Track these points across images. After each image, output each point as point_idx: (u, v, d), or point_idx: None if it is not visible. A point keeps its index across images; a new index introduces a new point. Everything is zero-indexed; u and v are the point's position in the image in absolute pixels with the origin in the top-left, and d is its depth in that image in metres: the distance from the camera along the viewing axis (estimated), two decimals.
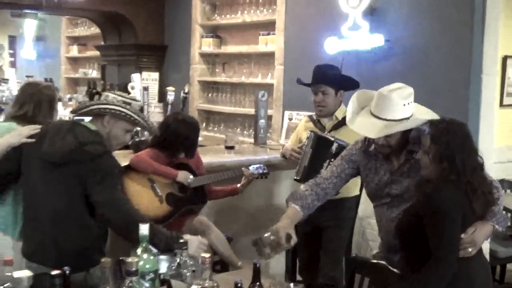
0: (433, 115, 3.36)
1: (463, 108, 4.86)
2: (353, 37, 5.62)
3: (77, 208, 3.28)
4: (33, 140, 3.38)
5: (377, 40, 5.45)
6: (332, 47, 5.77)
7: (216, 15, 7.77)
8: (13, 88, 9.38)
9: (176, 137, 4.47)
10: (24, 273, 2.26)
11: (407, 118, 3.33)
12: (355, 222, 4.84)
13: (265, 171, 4.92)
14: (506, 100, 5.52)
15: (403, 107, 3.30)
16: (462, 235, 3.04)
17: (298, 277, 4.83)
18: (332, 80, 4.54)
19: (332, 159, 4.12)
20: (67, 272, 2.36)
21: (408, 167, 3.42)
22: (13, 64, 14.08)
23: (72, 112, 3.35)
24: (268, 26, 6.88)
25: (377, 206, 3.62)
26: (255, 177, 4.85)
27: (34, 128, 3.44)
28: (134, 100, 3.45)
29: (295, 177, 4.55)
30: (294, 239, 3.30)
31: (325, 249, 4.56)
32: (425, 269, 3.03)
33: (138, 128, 5.84)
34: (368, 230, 5.54)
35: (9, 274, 2.37)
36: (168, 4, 8.52)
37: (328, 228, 4.54)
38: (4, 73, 13.47)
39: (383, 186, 3.51)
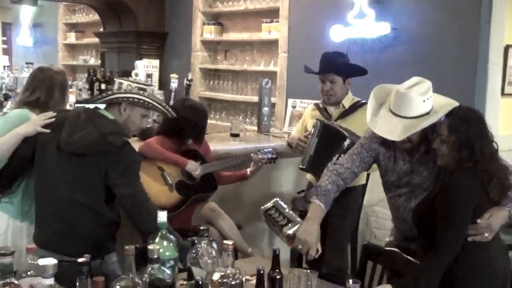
0: (452, 104, 3.34)
1: (469, 97, 4.86)
2: (359, 25, 5.60)
3: (94, 197, 3.30)
4: (48, 130, 3.36)
5: (383, 28, 5.44)
6: (338, 35, 5.76)
7: (218, 2, 7.73)
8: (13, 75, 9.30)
9: (185, 124, 4.45)
10: (49, 261, 2.24)
11: (428, 113, 3.31)
12: (361, 211, 4.81)
13: (273, 156, 4.91)
14: (507, 89, 5.52)
15: (423, 103, 3.29)
16: (478, 220, 3.06)
17: (304, 266, 4.84)
18: (340, 69, 4.50)
19: (342, 154, 4.10)
20: (88, 259, 2.34)
21: (427, 157, 3.42)
22: (6, 51, 13.99)
23: (88, 101, 3.34)
24: (271, 14, 6.86)
25: (394, 197, 3.61)
26: (264, 162, 4.84)
27: (49, 116, 3.42)
28: (148, 85, 3.44)
29: (301, 166, 4.54)
30: (320, 251, 3.31)
31: (330, 239, 4.51)
32: (426, 258, 3.06)
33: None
34: (373, 217, 5.56)
35: (32, 261, 2.36)
36: None
37: (334, 217, 4.45)
38: None
39: (403, 176, 3.50)
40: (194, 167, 4.45)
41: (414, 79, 3.38)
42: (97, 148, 3.25)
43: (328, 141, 4.31)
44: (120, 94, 3.34)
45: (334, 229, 4.51)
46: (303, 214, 4.77)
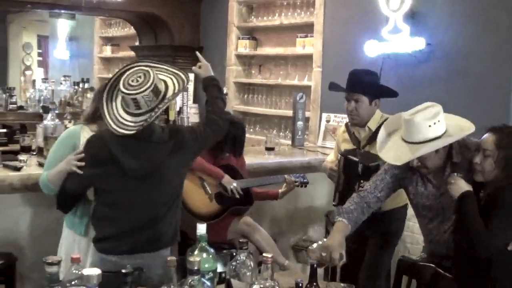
0: (469, 129, 3.35)
1: (504, 113, 4.85)
2: (394, 40, 5.61)
3: (177, 198, 3.45)
4: (83, 163, 3.39)
5: (418, 44, 5.44)
6: (372, 50, 5.78)
7: (252, 17, 7.81)
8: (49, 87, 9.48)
9: (225, 137, 4.50)
10: (94, 271, 2.31)
11: (439, 137, 3.32)
12: (400, 233, 4.69)
13: (305, 180, 4.98)
14: None
15: (429, 128, 3.29)
16: None
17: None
18: (366, 89, 4.34)
19: (362, 181, 4.10)
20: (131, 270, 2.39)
21: None
22: (41, 64, 14.23)
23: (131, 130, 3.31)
24: (305, 29, 6.91)
25: (426, 220, 3.62)
26: (296, 185, 4.90)
27: (77, 153, 3.45)
28: (150, 80, 3.22)
29: (333, 203, 4.46)
30: (344, 259, 3.28)
31: (368, 263, 4.44)
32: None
33: None
34: (407, 232, 5.54)
35: (76, 271, 2.42)
36: (204, 5, 8.58)
37: (373, 240, 4.43)
38: (33, 72, 13.62)
39: (432, 199, 3.51)
40: (230, 182, 4.52)
41: (424, 104, 3.39)
42: (165, 154, 3.32)
43: (352, 174, 4.25)
44: (158, 113, 3.23)
45: (372, 253, 4.44)
46: None
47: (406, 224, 5.24)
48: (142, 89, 3.12)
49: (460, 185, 3.21)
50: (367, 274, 4.42)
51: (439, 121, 3.32)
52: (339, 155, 4.42)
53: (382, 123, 4.14)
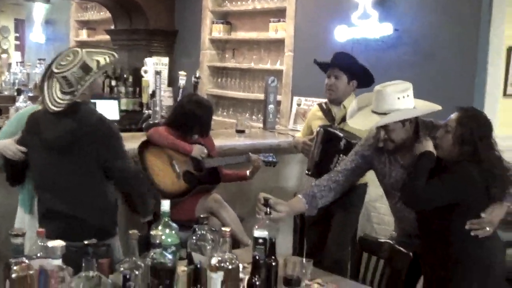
0: (435, 107, 3.49)
1: (468, 97, 4.98)
2: (363, 26, 5.72)
3: (93, 183, 3.49)
4: (24, 149, 3.57)
5: (386, 29, 5.56)
6: (342, 35, 5.88)
7: (226, 2, 7.86)
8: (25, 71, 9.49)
9: (191, 118, 4.61)
10: (58, 243, 2.41)
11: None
12: (362, 207, 4.96)
13: (273, 160, 5.04)
14: (510, 90, 5.64)
15: (398, 100, 3.39)
16: (482, 214, 3.19)
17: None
18: (347, 67, 4.63)
19: (341, 155, 4.28)
20: (95, 242, 2.47)
21: None
22: (18, 48, 14.17)
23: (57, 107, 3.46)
24: (278, 13, 6.99)
25: (395, 200, 3.70)
26: (264, 164, 4.96)
27: (15, 139, 3.63)
28: (79, 57, 3.41)
29: (306, 172, 4.67)
30: (279, 213, 3.42)
31: (333, 233, 4.69)
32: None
33: (150, 111, 6.05)
34: (374, 213, 5.68)
35: (42, 244, 2.51)
36: None
37: (338, 211, 4.65)
38: (10, 56, 13.57)
39: (400, 179, 3.58)
40: (200, 151, 4.63)
41: (395, 81, 3.51)
42: (82, 133, 3.41)
43: (330, 146, 4.44)
44: (82, 89, 3.38)
45: (337, 223, 4.68)
46: None
47: (373, 205, 5.41)
48: (70, 67, 3.32)
49: (425, 145, 3.31)
50: (334, 245, 4.65)
51: (408, 96, 3.42)
52: (318, 128, 4.58)
53: None
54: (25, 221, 3.83)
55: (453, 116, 3.27)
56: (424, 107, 3.50)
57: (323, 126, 4.60)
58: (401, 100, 3.39)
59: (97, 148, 3.43)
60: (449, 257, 3.28)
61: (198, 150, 4.62)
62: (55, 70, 3.37)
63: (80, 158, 3.45)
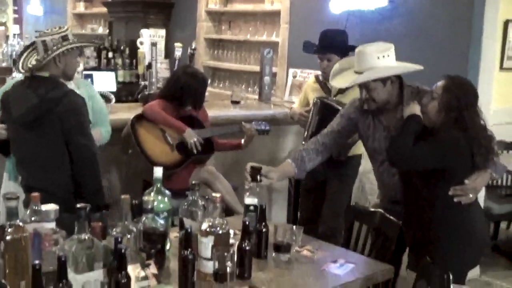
0: (411, 67, 3.54)
1: (463, 70, 5.00)
2: None
3: (63, 159, 3.53)
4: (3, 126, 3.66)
5: (381, 1, 5.57)
6: (337, 6, 5.89)
7: None
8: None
9: (185, 90, 4.63)
10: (51, 206, 2.46)
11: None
12: (356, 177, 5.02)
13: (266, 128, 5.03)
14: (507, 64, 5.67)
15: (377, 60, 3.43)
16: (466, 181, 3.23)
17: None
18: (337, 49, 4.62)
19: None
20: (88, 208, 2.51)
21: None
22: (17, 21, 14.12)
23: (26, 72, 3.52)
24: None
25: (378, 163, 3.76)
26: (254, 133, 4.95)
27: None
28: (64, 29, 3.55)
29: (303, 142, 4.69)
30: (270, 179, 3.48)
31: (328, 200, 4.77)
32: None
33: (146, 83, 6.07)
34: (368, 185, 5.73)
35: (35, 208, 2.56)
36: None
37: (332, 181, 4.75)
38: (8, 29, 13.53)
39: (383, 142, 3.63)
40: (191, 137, 4.63)
41: (378, 42, 3.56)
42: (44, 109, 3.46)
43: (327, 118, 4.47)
44: (54, 53, 3.46)
45: (332, 192, 4.77)
46: (299, 180, 5.02)
47: (367, 176, 5.45)
48: (52, 34, 3.45)
49: (413, 109, 3.35)
50: (328, 213, 4.73)
51: (388, 55, 3.46)
52: (315, 99, 4.63)
53: None
54: (9, 188, 3.89)
55: (440, 83, 3.30)
56: (403, 67, 3.55)
57: (320, 97, 4.65)
58: (380, 59, 3.43)
59: (61, 122, 3.47)
60: (432, 221, 3.32)
61: (189, 135, 4.62)
62: (37, 35, 3.49)
63: (47, 133, 3.50)
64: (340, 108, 4.38)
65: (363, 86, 3.53)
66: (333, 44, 4.65)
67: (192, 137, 4.62)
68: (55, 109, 3.45)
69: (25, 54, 3.55)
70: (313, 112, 4.61)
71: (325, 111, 4.51)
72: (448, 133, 3.21)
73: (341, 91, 4.64)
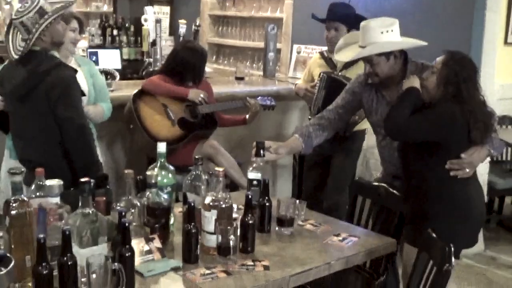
0: (415, 43, 3.54)
1: (466, 44, 4.99)
2: None
3: (55, 130, 3.52)
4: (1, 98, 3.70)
5: None
6: None
7: None
8: None
9: (185, 64, 4.67)
10: (55, 181, 2.49)
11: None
12: (360, 152, 5.04)
13: (272, 103, 5.03)
14: (511, 38, 5.65)
15: (381, 34, 3.44)
16: (462, 155, 3.22)
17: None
18: (345, 18, 4.65)
19: None
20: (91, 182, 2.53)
21: None
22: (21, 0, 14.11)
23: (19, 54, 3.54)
24: None
25: (380, 138, 3.78)
26: (259, 109, 4.94)
27: None
28: (36, 3, 3.47)
29: (309, 117, 4.74)
30: (279, 154, 3.54)
31: (333, 174, 4.81)
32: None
33: (151, 60, 6.08)
34: (372, 160, 5.74)
35: (40, 183, 2.58)
36: None
37: (337, 156, 4.78)
38: (13, 8, 13.49)
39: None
40: (197, 94, 4.67)
41: (382, 17, 3.56)
42: (34, 82, 3.46)
43: (334, 92, 4.48)
44: (36, 33, 3.43)
45: (336, 167, 4.81)
46: (304, 156, 5.04)
47: (371, 151, 5.46)
48: (26, 12, 3.40)
49: (412, 82, 3.37)
50: (333, 187, 4.78)
51: (392, 30, 3.47)
52: (321, 74, 4.63)
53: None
54: (10, 165, 3.91)
55: (439, 58, 3.30)
56: (406, 42, 3.56)
57: (326, 72, 4.66)
58: (384, 34, 3.45)
59: (47, 95, 3.46)
60: (427, 196, 3.33)
61: (194, 94, 4.66)
62: (14, 17, 3.46)
63: (38, 106, 3.50)
64: (346, 82, 4.41)
65: (367, 60, 3.55)
66: (341, 13, 4.68)
67: (198, 94, 4.66)
68: (43, 81, 3.45)
69: (10, 38, 3.51)
70: (319, 87, 4.61)
71: (331, 85, 4.52)
72: (444, 106, 3.22)
73: (347, 66, 4.66)
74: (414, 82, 3.35)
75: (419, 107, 3.30)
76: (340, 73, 4.67)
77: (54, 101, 3.45)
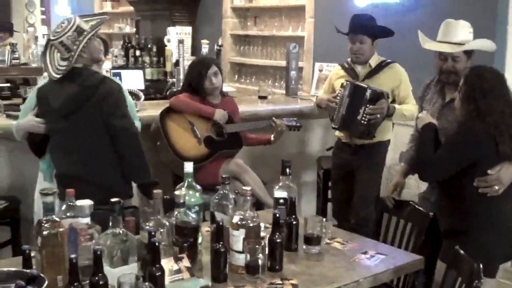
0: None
1: (489, 59, 4.97)
2: None
3: (102, 144, 3.62)
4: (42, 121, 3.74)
5: None
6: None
7: None
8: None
9: (197, 77, 4.71)
10: (86, 202, 2.52)
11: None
12: (384, 165, 5.01)
13: (297, 124, 5.04)
14: None
15: (469, 34, 3.64)
16: (489, 171, 3.19)
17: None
18: (369, 30, 4.66)
19: (368, 105, 4.39)
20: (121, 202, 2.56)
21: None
22: (44, 22, 14.27)
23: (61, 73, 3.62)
24: None
25: None
26: (288, 129, 4.97)
27: (33, 113, 3.80)
28: (72, 22, 3.58)
29: (333, 125, 4.73)
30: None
31: (357, 189, 4.79)
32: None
33: (174, 80, 6.13)
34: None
35: (71, 203, 2.62)
36: None
37: (361, 169, 4.76)
38: (36, 30, 13.66)
39: (435, 112, 3.71)
40: (223, 114, 4.71)
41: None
42: (84, 97, 3.56)
43: (358, 100, 4.51)
44: (77, 51, 3.53)
45: (361, 182, 4.78)
46: (327, 173, 5.05)
47: (394, 168, 5.44)
48: (65, 31, 3.50)
49: (425, 118, 3.41)
50: (359, 203, 4.76)
51: (471, 33, 3.70)
52: (345, 82, 4.63)
53: (380, 62, 4.68)
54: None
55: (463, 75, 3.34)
56: (490, 43, 3.82)
57: (350, 80, 4.67)
58: (471, 34, 3.65)
59: (100, 107, 3.57)
60: (461, 212, 3.32)
61: (220, 115, 4.69)
62: (52, 38, 3.57)
63: (87, 121, 3.59)
64: (371, 89, 4.43)
65: (450, 56, 3.65)
66: (365, 26, 4.68)
67: (223, 115, 4.71)
68: (93, 95, 3.55)
69: (48, 59, 3.62)
70: (343, 94, 4.60)
71: (355, 92, 4.53)
72: (465, 126, 3.21)
73: (369, 75, 4.69)
74: (427, 118, 3.39)
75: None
76: (362, 82, 4.67)
77: (108, 113, 3.58)
